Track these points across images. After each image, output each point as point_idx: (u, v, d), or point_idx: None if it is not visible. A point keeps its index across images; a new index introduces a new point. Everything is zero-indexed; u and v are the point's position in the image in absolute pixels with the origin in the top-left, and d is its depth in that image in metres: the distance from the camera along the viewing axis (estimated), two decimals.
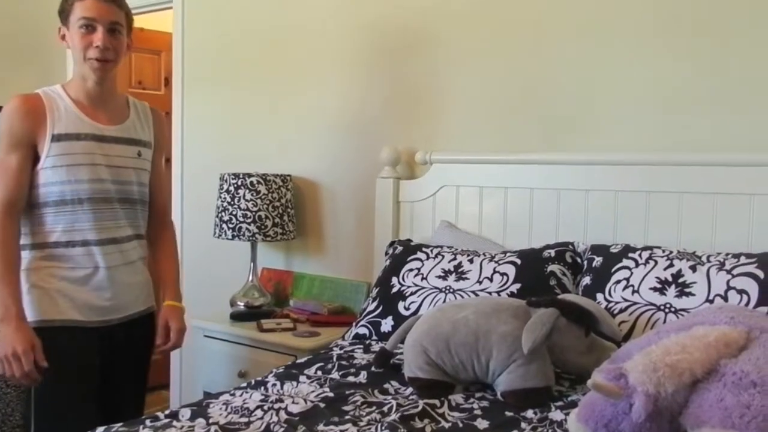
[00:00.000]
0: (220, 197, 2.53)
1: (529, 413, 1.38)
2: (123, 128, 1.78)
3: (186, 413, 1.36)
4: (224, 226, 2.49)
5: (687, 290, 1.63)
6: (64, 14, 1.70)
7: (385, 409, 1.40)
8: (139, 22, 3.38)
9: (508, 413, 1.38)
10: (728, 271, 1.62)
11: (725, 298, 1.58)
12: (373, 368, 1.66)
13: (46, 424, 1.67)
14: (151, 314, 1.90)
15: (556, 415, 1.36)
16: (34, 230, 1.69)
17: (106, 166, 1.72)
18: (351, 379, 1.60)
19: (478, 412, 1.39)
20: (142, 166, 1.82)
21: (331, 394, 1.48)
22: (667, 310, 1.63)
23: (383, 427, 1.27)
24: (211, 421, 1.33)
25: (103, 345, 1.74)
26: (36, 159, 1.67)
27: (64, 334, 1.67)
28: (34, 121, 1.66)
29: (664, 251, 1.77)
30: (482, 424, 1.33)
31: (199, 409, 1.39)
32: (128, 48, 1.78)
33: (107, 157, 1.72)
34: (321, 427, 1.29)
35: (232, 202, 2.48)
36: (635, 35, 1.98)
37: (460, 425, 1.32)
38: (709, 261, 1.68)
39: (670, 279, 1.68)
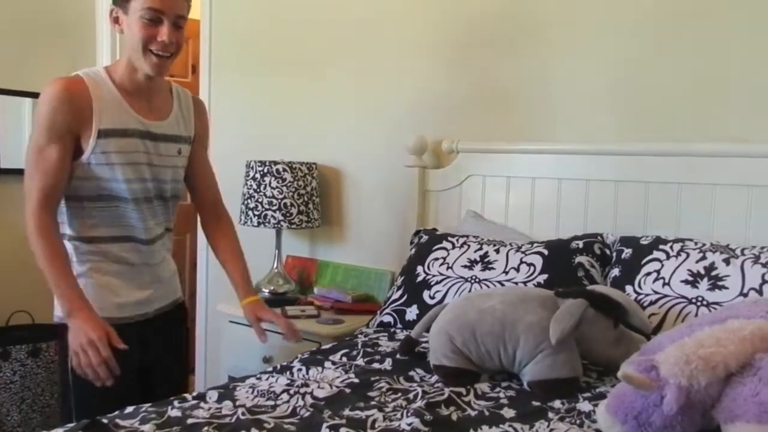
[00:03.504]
0: (246, 184, 2.54)
1: (557, 403, 1.36)
2: (167, 124, 1.69)
3: (213, 395, 1.38)
4: (250, 213, 2.51)
5: (720, 283, 1.60)
6: None
7: (411, 395, 1.39)
8: None
9: (535, 403, 1.36)
10: (764, 265, 1.58)
11: (760, 292, 1.54)
12: (398, 356, 1.66)
13: (86, 413, 1.48)
14: (180, 304, 1.85)
15: (583, 405, 1.34)
16: (75, 223, 1.61)
17: (148, 164, 1.64)
18: (376, 365, 1.60)
19: (504, 401, 1.38)
20: (180, 163, 1.75)
21: (356, 380, 1.48)
22: (699, 304, 1.60)
23: (409, 414, 1.27)
24: (238, 403, 1.34)
25: (142, 337, 1.68)
26: (77, 150, 1.56)
27: None
28: (79, 110, 1.53)
29: (696, 243, 1.74)
30: (509, 413, 1.31)
31: (226, 392, 1.40)
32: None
33: (149, 155, 1.64)
34: (347, 411, 1.30)
35: (258, 190, 2.49)
36: (637, 24, 1.94)
37: (487, 413, 1.31)
38: (743, 254, 1.64)
39: (702, 272, 1.65)
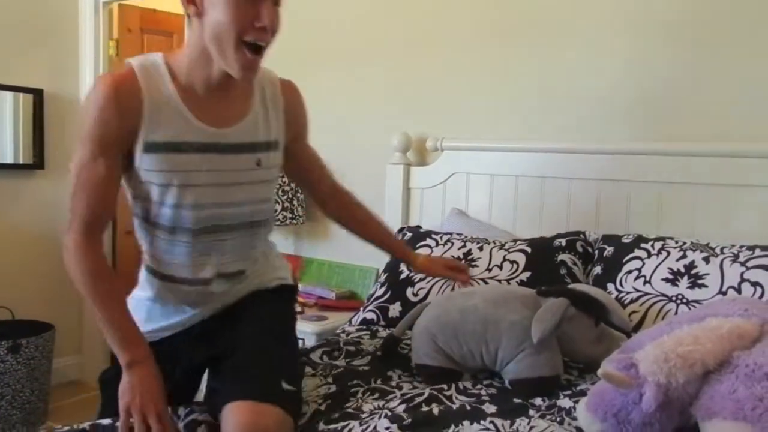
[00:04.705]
0: None
1: (538, 400, 1.37)
2: (240, 130, 1.31)
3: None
4: None
5: (700, 282, 1.62)
6: None
7: (390, 395, 1.39)
8: (151, 3, 3.39)
9: (516, 400, 1.37)
10: (742, 263, 1.60)
11: (738, 291, 1.56)
12: (379, 353, 1.65)
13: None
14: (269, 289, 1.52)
15: (564, 402, 1.34)
16: (149, 250, 1.36)
17: (215, 185, 1.30)
18: (357, 364, 1.59)
19: (485, 397, 1.38)
20: (263, 177, 1.37)
21: (333, 386, 1.44)
22: (678, 302, 1.61)
23: (390, 411, 1.26)
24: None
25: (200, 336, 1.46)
26: (131, 159, 1.26)
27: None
28: (128, 114, 1.21)
29: (677, 242, 1.75)
30: (490, 408, 1.32)
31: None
32: None
33: (218, 173, 1.30)
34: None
35: None
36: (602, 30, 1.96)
37: (468, 408, 1.31)
38: (722, 252, 1.66)
39: (682, 270, 1.66)
